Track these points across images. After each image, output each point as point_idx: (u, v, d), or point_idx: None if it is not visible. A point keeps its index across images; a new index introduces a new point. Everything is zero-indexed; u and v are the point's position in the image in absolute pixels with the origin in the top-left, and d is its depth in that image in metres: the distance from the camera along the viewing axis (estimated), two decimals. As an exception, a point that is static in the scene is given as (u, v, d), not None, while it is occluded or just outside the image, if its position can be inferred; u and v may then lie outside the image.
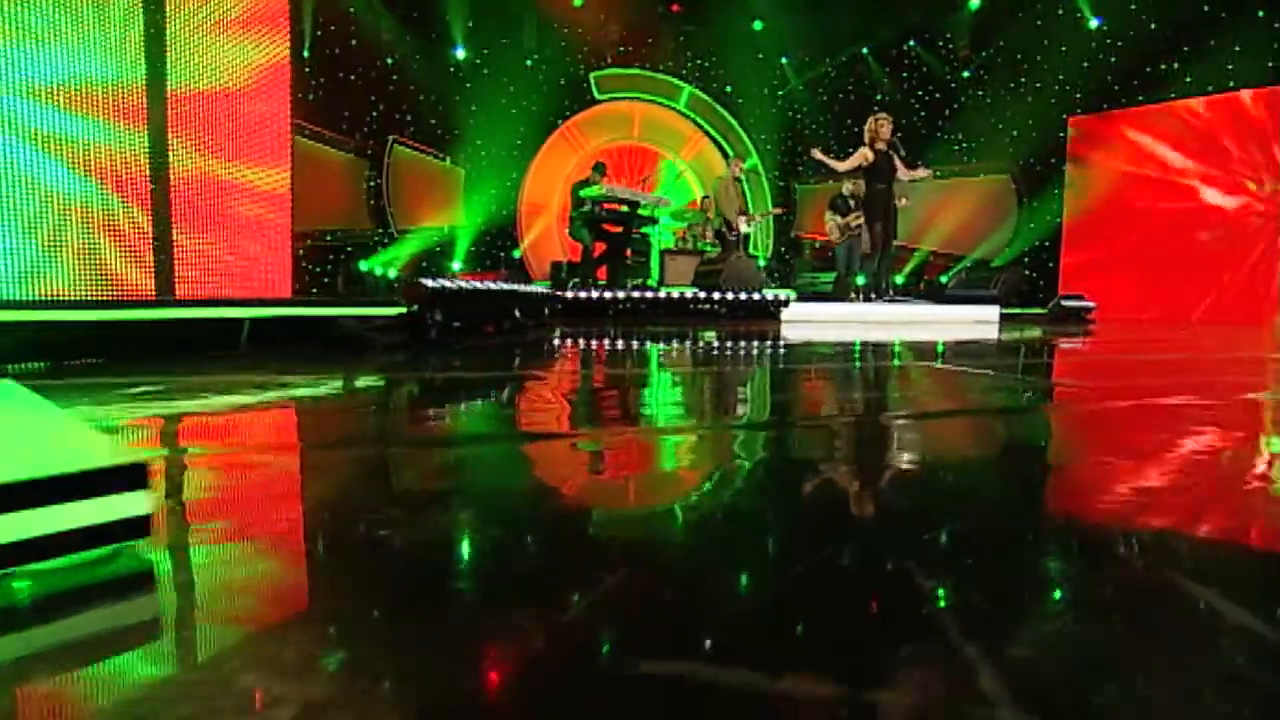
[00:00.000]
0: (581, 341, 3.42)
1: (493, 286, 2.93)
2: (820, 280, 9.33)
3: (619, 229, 8.56)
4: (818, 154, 6.64)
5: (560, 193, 12.48)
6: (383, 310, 2.53)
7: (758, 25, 12.45)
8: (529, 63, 12.20)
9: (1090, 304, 7.18)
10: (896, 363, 2.98)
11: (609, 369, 2.61)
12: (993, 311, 6.49)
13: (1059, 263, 10.61)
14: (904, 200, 10.26)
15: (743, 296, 5.28)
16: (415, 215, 11.37)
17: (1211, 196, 9.25)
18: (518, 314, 2.95)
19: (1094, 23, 10.81)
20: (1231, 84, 9.29)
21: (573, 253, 9.99)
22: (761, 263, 12.25)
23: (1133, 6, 10.35)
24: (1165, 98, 9.77)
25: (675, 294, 5.31)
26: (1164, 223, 9.56)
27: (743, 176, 8.47)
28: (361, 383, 2.13)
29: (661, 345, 3.75)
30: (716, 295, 5.27)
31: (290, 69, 6.66)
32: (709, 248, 10.30)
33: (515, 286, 3.40)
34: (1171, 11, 9.73)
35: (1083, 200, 10.26)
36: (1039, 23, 11.50)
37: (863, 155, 6.37)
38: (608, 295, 5.35)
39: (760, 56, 13.11)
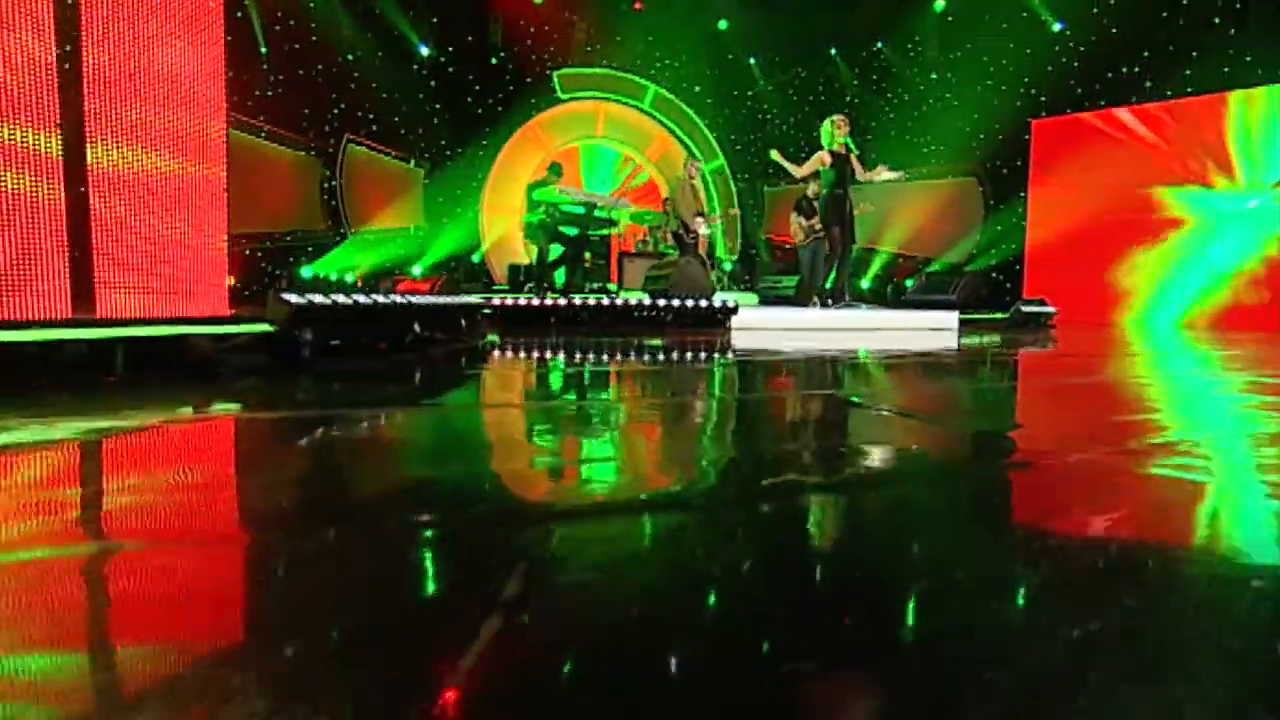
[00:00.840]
0: (495, 357, 3.22)
1: (383, 299, 2.70)
2: (783, 284, 9.20)
3: (575, 231, 8.38)
4: (776, 155, 6.48)
5: (520, 194, 12.26)
6: (245, 328, 2.30)
7: (723, 24, 12.30)
8: (494, 60, 11.96)
9: (1051, 309, 7.09)
10: (811, 391, 2.81)
11: (482, 401, 2.39)
12: (951, 318, 6.37)
13: (1024, 265, 10.58)
14: (869, 206, 10.22)
15: (689, 304, 5.10)
16: (371, 216, 11.09)
17: (1170, 200, 9.26)
18: (418, 329, 2.73)
19: (1057, 26, 10.80)
20: (1190, 89, 9.31)
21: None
22: (727, 266, 12.11)
23: (1094, 9, 10.34)
24: (1127, 101, 9.76)
25: (619, 300, 5.12)
26: (1125, 226, 9.55)
27: (698, 178, 8.29)
28: (102, 424, 1.59)
29: (576, 363, 3.57)
30: (661, 302, 5.09)
31: (224, 56, 6.38)
32: (671, 250, 10.13)
33: (424, 299, 3.17)
34: (1133, 16, 9.72)
35: (1046, 203, 10.24)
36: (1005, 25, 11.47)
37: (819, 159, 6.23)
38: (547, 302, 5.14)
39: (730, 57, 12.97)
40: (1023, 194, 11.17)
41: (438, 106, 11.76)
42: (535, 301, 5.13)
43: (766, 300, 9.38)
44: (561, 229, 8.33)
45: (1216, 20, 8.96)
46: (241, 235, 9.74)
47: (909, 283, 12.27)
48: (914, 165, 12.18)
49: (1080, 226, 9.90)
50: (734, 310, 5.16)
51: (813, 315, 5.60)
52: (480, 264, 12.03)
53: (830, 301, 6.26)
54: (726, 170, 13.43)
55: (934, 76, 12.26)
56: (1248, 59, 9.02)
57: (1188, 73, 9.45)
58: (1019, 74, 11.25)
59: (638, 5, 12.08)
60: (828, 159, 6.12)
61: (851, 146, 6.11)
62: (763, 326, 5.37)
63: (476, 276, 11.65)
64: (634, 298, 5.14)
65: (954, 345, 5.71)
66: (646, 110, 12.92)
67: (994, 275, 11.44)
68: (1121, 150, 9.62)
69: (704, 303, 5.10)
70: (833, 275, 6.34)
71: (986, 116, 11.55)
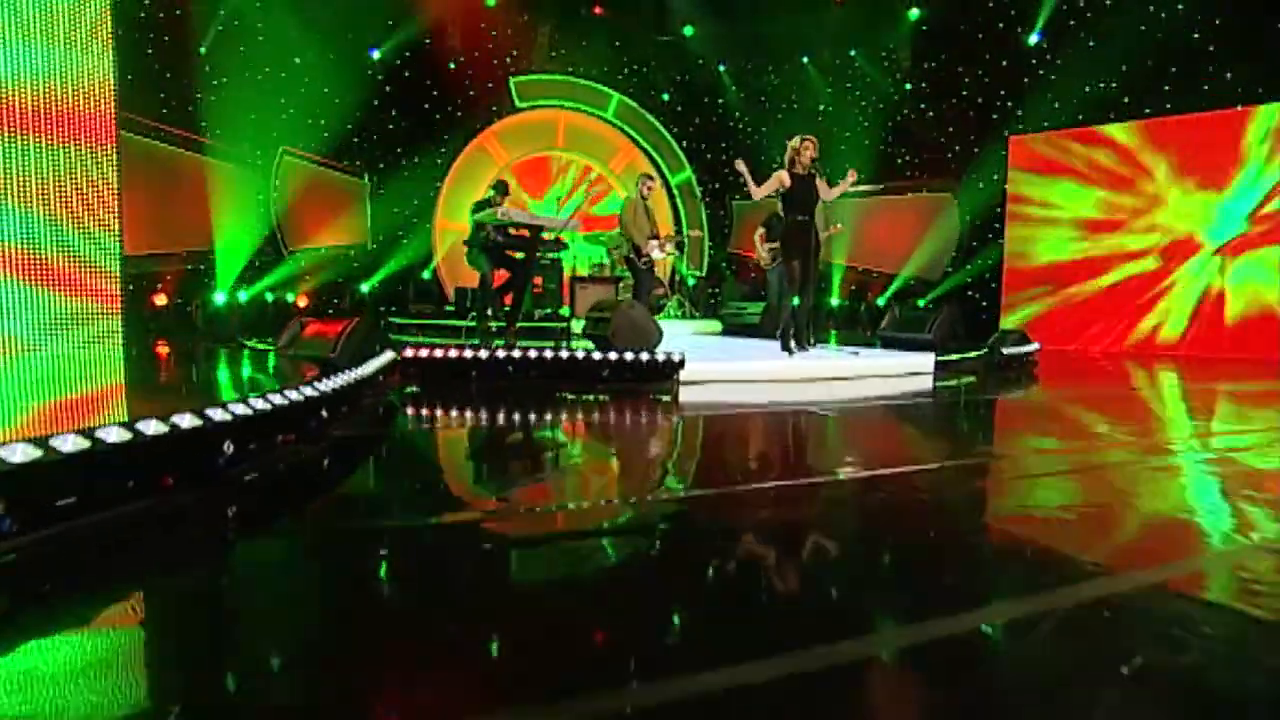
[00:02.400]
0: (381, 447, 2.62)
1: (279, 399, 2.09)
2: (748, 311, 8.64)
3: (522, 255, 7.75)
4: (741, 166, 5.87)
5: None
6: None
7: (689, 31, 11.71)
8: (452, 65, 11.28)
9: (1032, 345, 6.55)
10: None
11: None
12: (927, 360, 5.83)
13: (1001, 285, 10.10)
14: (839, 227, 9.69)
15: (629, 356, 4.49)
16: (311, 234, 10.37)
17: (1145, 222, 8.83)
18: (229, 448, 2.09)
19: (1033, 38, 10.38)
20: (1169, 106, 8.91)
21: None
22: (691, 281, 11.53)
23: (1071, 22, 9.91)
24: (1105, 120, 9.33)
25: (549, 353, 4.50)
26: (1102, 248, 9.12)
27: (652, 197, 7.70)
28: None
29: (481, 432, 2.96)
30: (597, 355, 4.48)
31: (114, 67, 5.71)
32: (626, 274, 9.53)
33: (325, 386, 2.51)
34: (1116, 33, 9.28)
35: (1024, 221, 9.78)
36: (980, 36, 11.02)
37: (778, 179, 5.64)
38: (467, 354, 4.51)
39: (700, 61, 12.39)
40: (999, 209, 10.72)
41: (394, 113, 11.06)
42: (454, 353, 4.50)
43: (731, 329, 8.81)
44: (507, 252, 7.72)
45: (1195, 34, 8.54)
46: (170, 254, 9.01)
47: (881, 301, 11.80)
48: (888, 179, 11.71)
49: (1058, 247, 9.45)
50: (680, 364, 4.56)
51: (770, 367, 5.02)
52: (432, 279, 11.34)
53: (793, 348, 5.69)
54: (693, 182, 12.85)
55: (908, 86, 11.78)
56: (1228, 76, 8.64)
57: (1166, 87, 9.05)
58: (995, 86, 10.82)
59: (597, 10, 11.47)
60: (787, 180, 5.55)
61: (819, 170, 5.54)
62: (713, 379, 4.79)
63: (428, 293, 10.97)
64: (571, 349, 4.53)
65: (928, 391, 5.18)
66: (610, 120, 12.30)
67: (970, 293, 11.00)
68: (1101, 170, 9.17)
69: (646, 356, 4.50)
70: (794, 304, 5.77)
71: (962, 129, 11.11)
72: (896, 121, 11.81)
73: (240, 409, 2.12)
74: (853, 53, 12.13)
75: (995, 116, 10.79)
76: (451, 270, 11.43)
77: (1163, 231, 8.70)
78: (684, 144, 12.87)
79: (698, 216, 12.83)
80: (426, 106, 11.25)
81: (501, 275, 7.96)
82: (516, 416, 3.78)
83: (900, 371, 5.57)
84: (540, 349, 4.53)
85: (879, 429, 3.63)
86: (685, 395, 4.50)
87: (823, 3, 11.13)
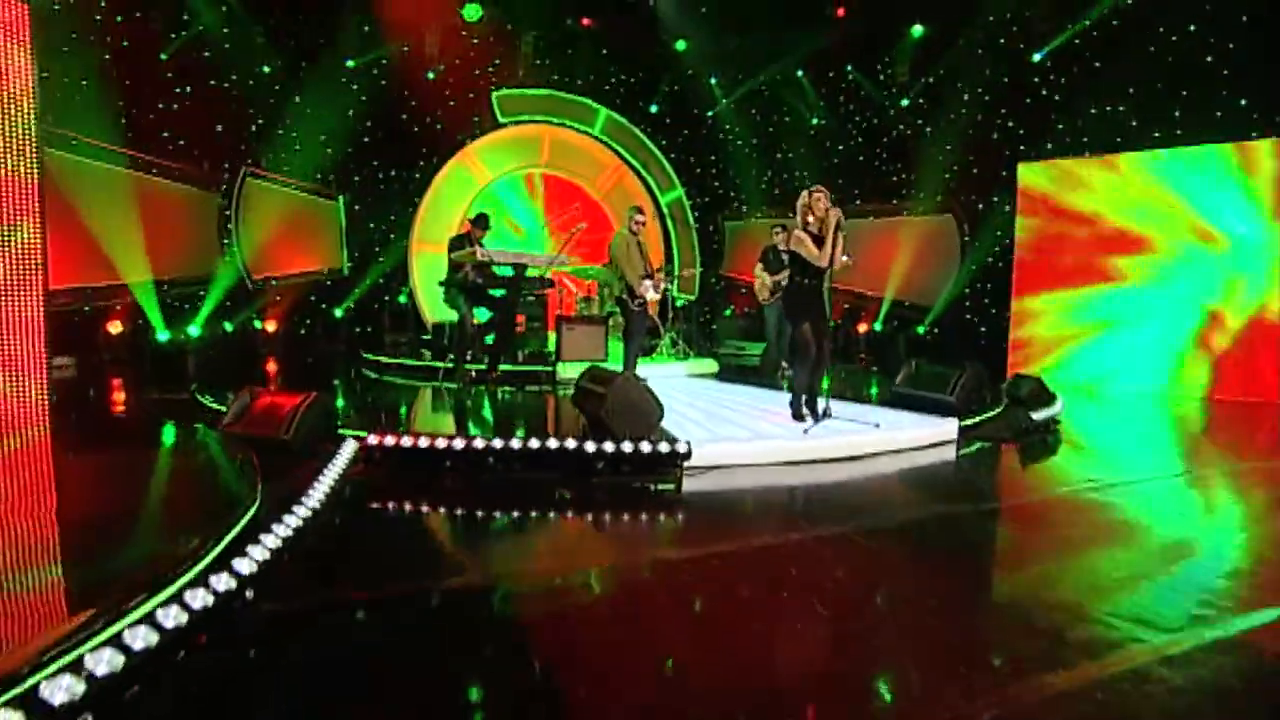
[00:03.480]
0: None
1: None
2: (747, 351, 8.09)
3: (503, 293, 7.18)
4: (796, 237, 5.15)
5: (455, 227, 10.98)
6: None
7: (680, 45, 11.14)
8: (431, 75, 10.66)
9: (1057, 408, 6.01)
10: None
11: None
12: (949, 427, 5.33)
13: (1008, 319, 9.61)
14: (846, 259, 9.15)
15: (628, 448, 3.95)
16: (279, 261, 9.70)
17: (1164, 256, 8.41)
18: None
19: (1037, 56, 9.94)
20: (1179, 131, 8.48)
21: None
22: (680, 302, 10.96)
23: (1076, 41, 9.45)
24: (1115, 147, 8.87)
25: (535, 442, 3.94)
26: (1116, 281, 8.68)
27: (643, 232, 7.14)
28: None
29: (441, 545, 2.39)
30: (590, 447, 3.92)
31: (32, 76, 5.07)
32: (616, 310, 8.95)
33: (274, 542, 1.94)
34: (1124, 59, 8.83)
35: (1033, 252, 9.32)
36: (979, 51, 10.54)
37: (800, 240, 5.04)
38: (441, 444, 3.93)
39: (690, 73, 11.82)
40: (999, 233, 10.26)
41: (369, 124, 10.41)
42: (426, 442, 3.92)
43: (727, 369, 8.28)
44: (488, 292, 7.14)
45: (1208, 58, 8.09)
46: (115, 286, 8.33)
47: (878, 326, 11.32)
48: (885, 199, 11.24)
49: (1067, 277, 9.00)
50: (687, 455, 4.02)
51: (785, 447, 4.49)
52: (409, 304, 10.72)
53: (808, 419, 5.15)
54: (684, 202, 12.29)
55: (905, 103, 11.26)
56: (1242, 103, 8.22)
57: (1176, 114, 8.62)
58: (997, 105, 10.35)
59: (585, 22, 10.88)
60: (808, 241, 5.01)
61: (842, 224, 4.98)
62: (726, 461, 4.25)
63: (404, 319, 10.35)
64: (553, 441, 3.97)
65: (952, 464, 4.67)
66: (597, 136, 11.72)
67: (968, 316, 10.55)
68: (1113, 201, 8.73)
69: (647, 447, 3.95)
70: (803, 372, 5.23)
71: (964, 149, 10.62)
72: (892, 138, 11.32)
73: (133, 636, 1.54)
74: (849, 67, 11.63)
75: (996, 136, 10.33)
76: (429, 295, 10.80)
77: (1178, 262, 8.28)
78: (672, 156, 12.25)
79: (689, 240, 12.27)
80: (404, 118, 10.62)
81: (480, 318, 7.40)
82: (499, 514, 3.24)
83: (921, 444, 5.06)
84: (525, 439, 3.96)
85: (961, 584, 3.01)
86: (690, 484, 3.97)
87: (820, 16, 10.60)
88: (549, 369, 7.49)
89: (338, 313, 10.53)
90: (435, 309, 10.72)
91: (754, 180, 11.98)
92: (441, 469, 4.00)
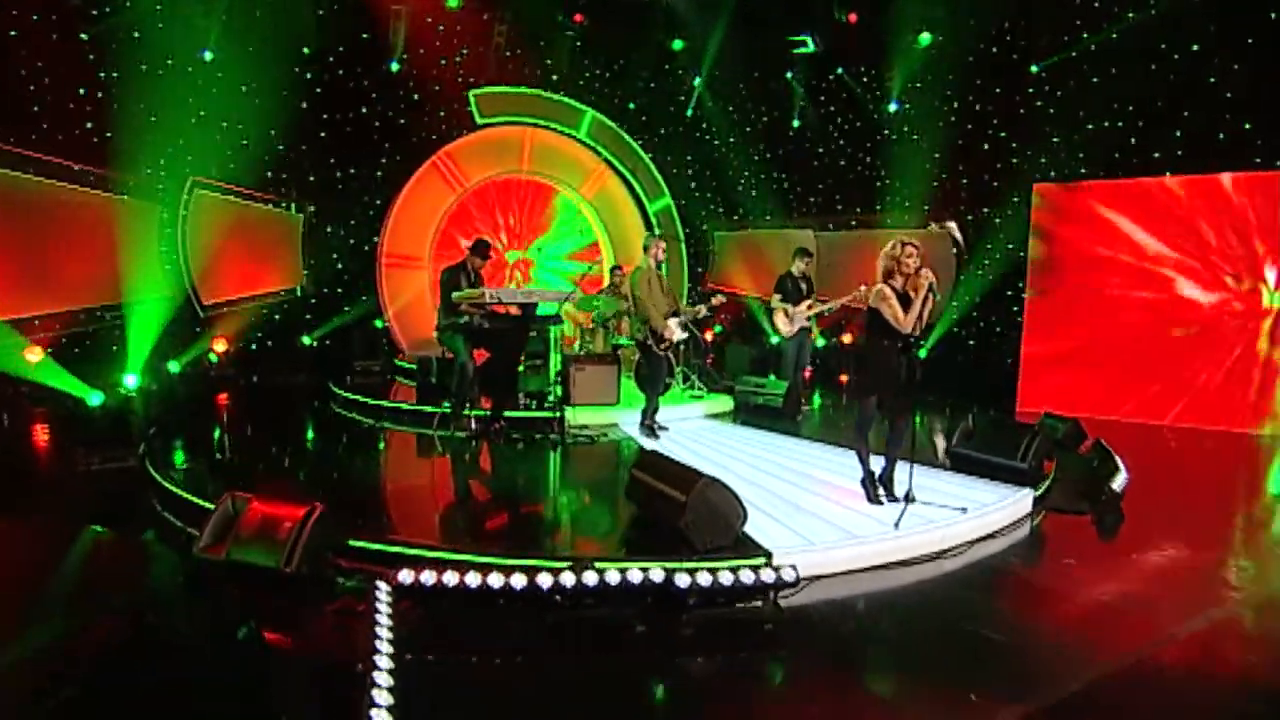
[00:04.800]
0: None
1: None
2: (767, 389, 7.43)
3: (509, 333, 6.35)
4: (880, 293, 4.46)
5: (430, 253, 10.01)
6: None
7: (677, 45, 10.34)
8: (395, 67, 9.58)
9: (1122, 474, 5.38)
10: None
11: None
12: (1024, 499, 4.82)
13: (1019, 350, 9.22)
14: (863, 288, 8.58)
15: (725, 579, 3.26)
16: (233, 283, 8.56)
17: (1188, 288, 8.14)
18: None
19: (1034, 68, 9.53)
20: (1180, 153, 8.17)
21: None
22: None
23: (1084, 66, 9.03)
24: (1131, 172, 8.53)
25: (614, 575, 3.21)
26: (1136, 312, 8.38)
27: (665, 261, 6.43)
28: None
29: None
30: (684, 580, 3.21)
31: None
32: (624, 341, 8.23)
33: None
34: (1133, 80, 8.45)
35: (1047, 280, 8.94)
36: (970, 59, 10.00)
37: (891, 306, 4.38)
38: (495, 583, 3.15)
39: (681, 72, 11.02)
40: (991, 245, 9.86)
41: (330, 122, 9.29)
42: (475, 579, 3.14)
43: (746, 407, 7.63)
44: (491, 329, 6.28)
45: (1228, 94, 7.78)
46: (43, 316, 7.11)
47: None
48: (869, 209, 10.74)
49: (1086, 311, 8.64)
50: (795, 582, 3.34)
51: (881, 550, 3.87)
52: (383, 329, 9.69)
53: (882, 497, 4.56)
54: (674, 210, 11.54)
55: (892, 108, 10.67)
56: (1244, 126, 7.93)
57: (1177, 132, 8.31)
58: (993, 116, 9.90)
59: (578, 18, 9.97)
60: (893, 299, 4.37)
61: (935, 287, 4.33)
62: (822, 573, 3.61)
63: (374, 346, 9.35)
64: (642, 572, 3.24)
65: (1040, 552, 3.96)
66: (582, 139, 10.84)
67: (970, 342, 10.19)
68: (1135, 227, 8.40)
69: (749, 578, 3.27)
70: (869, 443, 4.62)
71: (956, 160, 10.14)
72: (878, 143, 10.77)
73: None
74: (840, 70, 11.03)
75: (987, 147, 9.88)
76: (405, 319, 9.81)
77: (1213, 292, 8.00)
78: (651, 155, 11.37)
79: (677, 251, 11.54)
80: (373, 121, 9.54)
81: (481, 355, 6.55)
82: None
83: (1000, 522, 4.51)
84: (602, 570, 3.21)
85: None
86: (784, 600, 3.33)
87: (825, 16, 9.95)
88: (554, 414, 6.69)
89: (306, 340, 9.39)
90: (409, 330, 9.77)
91: (729, 182, 11.32)
92: (494, 609, 3.23)
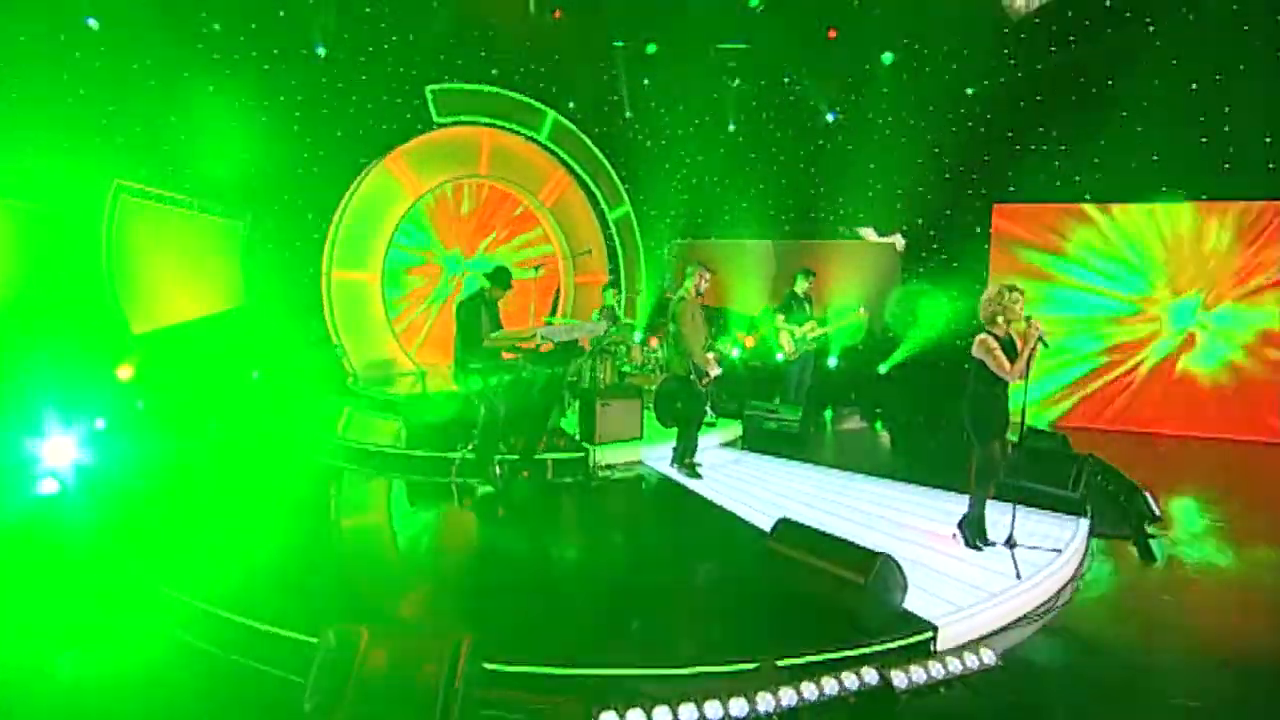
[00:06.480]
0: None
1: None
2: (784, 416, 7.30)
3: (547, 374, 5.83)
4: (984, 344, 4.32)
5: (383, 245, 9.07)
6: None
7: (651, 49, 9.91)
8: (321, 51, 8.49)
9: (1155, 511, 5.62)
10: None
11: None
12: (1080, 531, 4.98)
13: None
14: (862, 310, 8.65)
15: (934, 672, 3.07)
16: (164, 303, 7.30)
17: (1122, 305, 8.88)
18: None
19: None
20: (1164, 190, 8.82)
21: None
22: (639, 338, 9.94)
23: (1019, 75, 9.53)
24: (1074, 196, 9.12)
25: (810, 693, 2.93)
26: (1079, 327, 9.03)
27: (705, 293, 6.17)
28: None
29: None
30: (900, 681, 2.99)
31: None
32: (632, 369, 7.85)
33: None
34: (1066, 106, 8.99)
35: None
36: (904, 77, 10.32)
37: (997, 358, 4.33)
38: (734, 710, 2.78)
39: (646, 82, 10.60)
40: (948, 257, 10.31)
41: (262, 120, 8.12)
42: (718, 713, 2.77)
43: (757, 432, 7.49)
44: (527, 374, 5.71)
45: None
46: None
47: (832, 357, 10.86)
48: (820, 222, 10.92)
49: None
50: (993, 666, 3.22)
51: (1020, 606, 3.84)
52: (340, 350, 8.66)
53: (980, 545, 4.57)
54: (633, 219, 11.12)
55: (831, 117, 10.80)
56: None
57: (1130, 162, 9.00)
58: (927, 128, 10.25)
59: (557, 14, 9.32)
60: (997, 350, 4.34)
61: (1045, 337, 4.31)
62: (979, 635, 3.53)
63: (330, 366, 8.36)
64: (857, 678, 2.98)
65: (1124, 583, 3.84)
66: (542, 142, 10.19)
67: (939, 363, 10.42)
68: (1084, 249, 9.04)
69: (956, 666, 3.11)
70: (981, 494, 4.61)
71: (896, 170, 10.40)
72: (822, 149, 10.92)
73: None
74: (786, 78, 11.06)
75: (947, 159, 10.24)
76: (353, 330, 8.81)
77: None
78: (614, 162, 10.90)
79: (644, 254, 11.14)
80: (317, 120, 8.45)
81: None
82: None
83: (1058, 560, 4.57)
84: (798, 688, 2.90)
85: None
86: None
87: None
88: (578, 454, 6.24)
89: (253, 372, 8.19)
90: (363, 347, 8.82)
91: (714, 199, 11.11)
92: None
